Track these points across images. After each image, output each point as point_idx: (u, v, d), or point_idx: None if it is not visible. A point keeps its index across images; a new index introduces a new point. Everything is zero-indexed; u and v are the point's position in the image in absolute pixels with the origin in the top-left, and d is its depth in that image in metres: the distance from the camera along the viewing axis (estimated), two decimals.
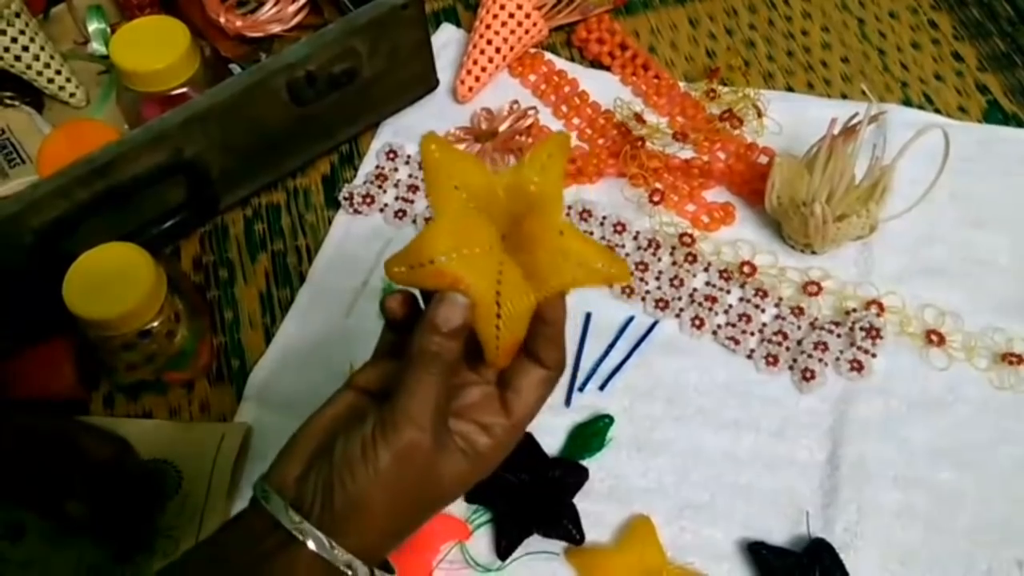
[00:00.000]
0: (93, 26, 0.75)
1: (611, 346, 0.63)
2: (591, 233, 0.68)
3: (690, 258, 0.66)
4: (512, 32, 0.74)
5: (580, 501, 0.56)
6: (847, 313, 0.63)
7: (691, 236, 0.67)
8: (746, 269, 0.65)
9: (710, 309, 0.64)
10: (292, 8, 0.75)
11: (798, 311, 0.63)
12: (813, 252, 0.66)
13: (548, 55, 0.78)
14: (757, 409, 0.60)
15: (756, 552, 0.54)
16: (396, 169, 0.72)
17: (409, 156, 0.72)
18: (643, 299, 0.65)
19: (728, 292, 0.65)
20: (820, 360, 0.61)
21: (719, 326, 0.64)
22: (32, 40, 0.69)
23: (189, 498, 0.57)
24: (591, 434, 0.59)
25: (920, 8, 0.81)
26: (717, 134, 0.71)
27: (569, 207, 0.69)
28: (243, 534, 0.38)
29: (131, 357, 0.58)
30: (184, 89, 0.66)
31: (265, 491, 0.38)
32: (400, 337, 0.41)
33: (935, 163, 0.64)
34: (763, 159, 0.71)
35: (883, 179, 0.63)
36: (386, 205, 0.70)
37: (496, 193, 0.39)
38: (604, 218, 0.68)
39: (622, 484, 0.58)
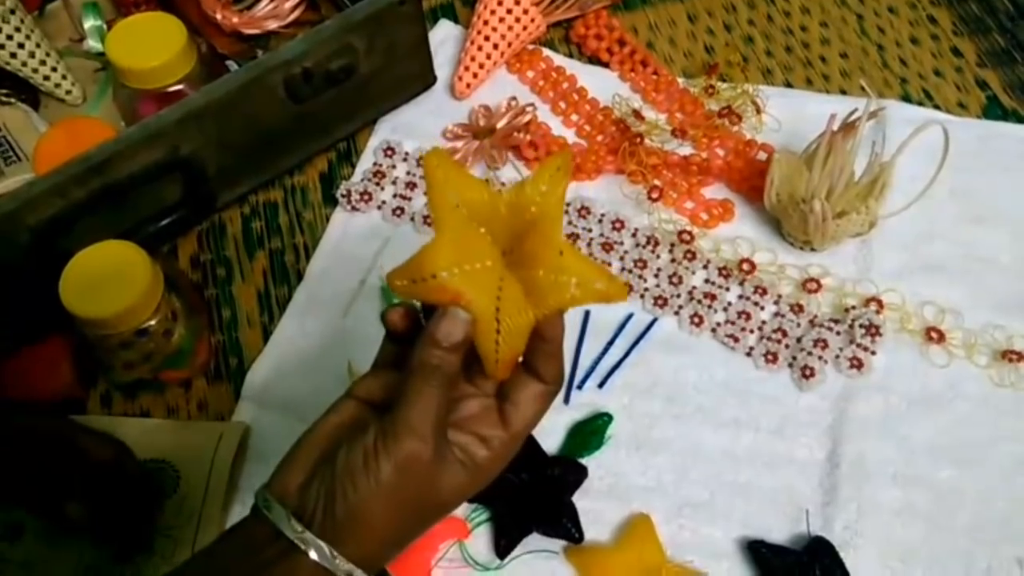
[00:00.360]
0: (89, 23, 0.75)
1: (610, 344, 0.63)
2: (589, 230, 0.67)
3: (689, 255, 0.66)
4: (510, 28, 0.74)
5: (579, 499, 0.56)
6: (847, 310, 0.63)
7: (690, 233, 0.66)
8: (745, 266, 0.65)
9: (709, 306, 0.64)
10: (289, 4, 0.75)
11: (797, 308, 0.63)
12: (812, 249, 0.66)
13: (546, 51, 0.78)
14: (756, 407, 0.60)
15: (756, 550, 0.54)
16: (394, 166, 0.72)
17: (407, 153, 0.72)
18: (642, 296, 0.65)
19: (727, 289, 0.65)
20: (820, 358, 0.61)
21: (718, 324, 0.63)
22: (28, 37, 0.69)
23: (187, 498, 0.57)
24: (590, 432, 0.59)
25: (919, 3, 0.81)
26: (716, 130, 0.71)
27: (568, 204, 0.68)
28: (243, 543, 0.39)
29: (128, 356, 0.58)
30: (180, 86, 0.66)
31: (267, 500, 0.38)
32: (401, 348, 0.42)
33: (935, 159, 0.64)
34: (762, 155, 0.71)
35: (882, 175, 0.63)
36: (384, 202, 0.70)
37: (498, 210, 0.40)
38: (602, 215, 0.68)
39: (621, 482, 0.58)
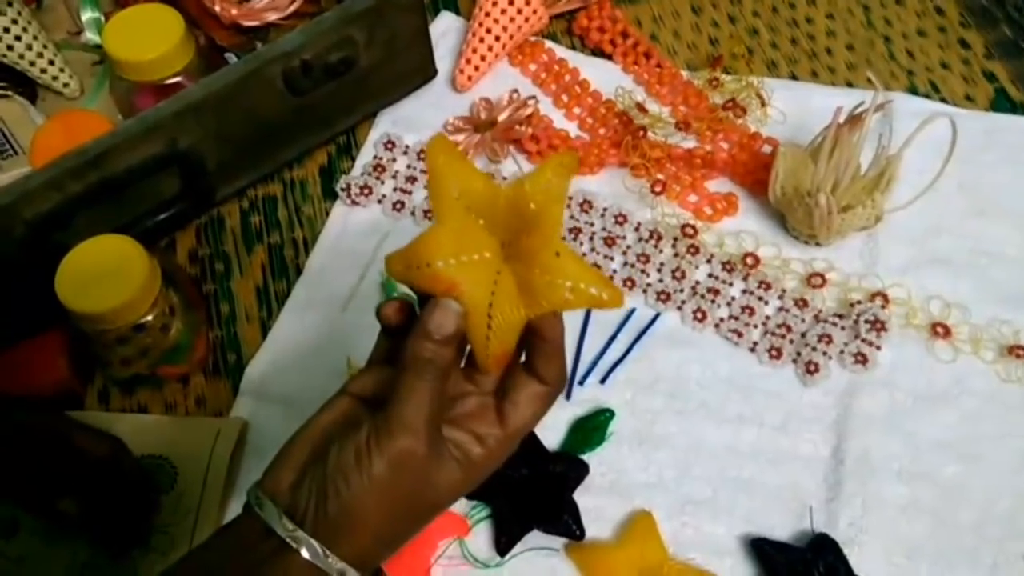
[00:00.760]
0: (87, 15, 0.74)
1: (612, 339, 0.62)
2: (592, 224, 0.67)
3: (692, 250, 0.65)
4: (512, 20, 0.73)
5: (580, 496, 0.56)
6: (852, 305, 0.62)
7: (693, 227, 0.66)
8: (749, 261, 0.64)
9: (712, 301, 0.63)
10: None
11: (802, 303, 0.63)
12: (817, 243, 0.65)
13: (548, 43, 0.77)
14: (760, 403, 0.60)
15: (759, 547, 0.54)
16: (394, 160, 0.71)
17: (407, 147, 0.71)
18: (644, 291, 0.64)
19: (731, 284, 0.64)
20: (824, 353, 0.60)
21: (722, 319, 0.63)
22: (25, 29, 0.69)
23: (184, 494, 0.56)
24: (592, 428, 0.59)
25: None
26: (720, 123, 0.70)
27: (570, 198, 0.68)
28: (236, 541, 0.38)
29: (125, 351, 0.58)
30: (178, 79, 0.66)
31: (259, 498, 0.38)
32: (395, 343, 0.42)
33: (942, 152, 0.63)
34: (767, 149, 0.70)
35: (889, 169, 0.62)
36: (384, 196, 0.69)
37: (498, 203, 0.39)
38: (605, 209, 0.67)
39: (623, 479, 0.57)
